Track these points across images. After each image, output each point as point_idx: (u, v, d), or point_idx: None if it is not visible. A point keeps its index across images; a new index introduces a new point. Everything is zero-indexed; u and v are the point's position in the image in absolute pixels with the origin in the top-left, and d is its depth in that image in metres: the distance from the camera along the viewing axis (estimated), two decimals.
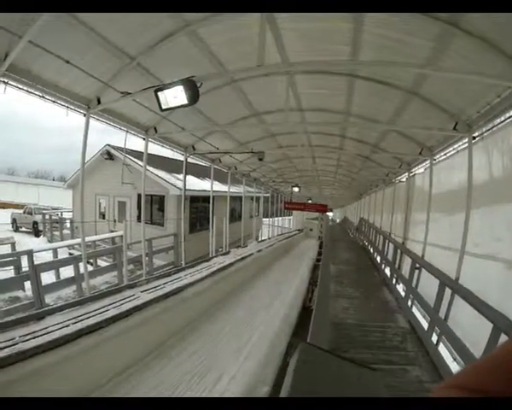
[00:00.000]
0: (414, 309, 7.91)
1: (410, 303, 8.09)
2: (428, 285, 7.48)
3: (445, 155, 8.56)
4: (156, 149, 11.59)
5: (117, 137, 15.44)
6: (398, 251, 10.80)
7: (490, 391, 0.55)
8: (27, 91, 5.98)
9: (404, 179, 13.13)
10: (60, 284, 10.16)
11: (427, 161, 9.58)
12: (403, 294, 8.76)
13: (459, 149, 7.71)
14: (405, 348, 6.31)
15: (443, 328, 5.98)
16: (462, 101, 6.28)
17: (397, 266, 10.57)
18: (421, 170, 10.87)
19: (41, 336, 4.19)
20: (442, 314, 6.20)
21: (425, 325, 6.86)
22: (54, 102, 6.53)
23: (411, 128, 8.25)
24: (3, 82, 5.47)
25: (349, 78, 6.84)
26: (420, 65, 5.34)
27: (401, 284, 9.65)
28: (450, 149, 8.14)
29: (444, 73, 5.20)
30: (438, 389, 0.62)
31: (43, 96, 6.28)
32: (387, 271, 11.49)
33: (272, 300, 9.40)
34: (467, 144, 6.88)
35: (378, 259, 13.84)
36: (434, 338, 6.28)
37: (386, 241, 12.98)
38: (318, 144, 12.25)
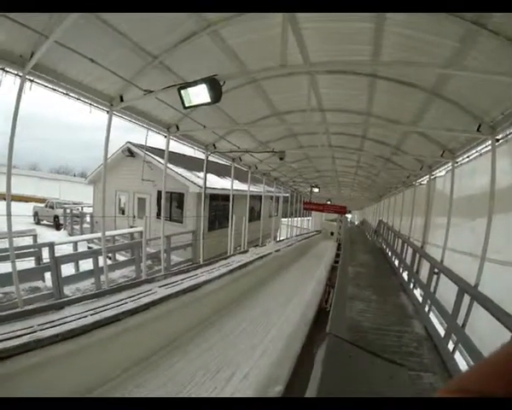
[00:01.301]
0: (431, 315, 7.79)
1: (427, 309, 7.97)
2: (447, 291, 7.37)
3: (468, 157, 8.36)
4: (177, 146, 11.66)
5: (137, 134, 15.65)
6: (417, 255, 10.66)
7: (492, 393, 0.55)
8: (52, 89, 6.16)
9: (424, 182, 12.92)
10: (79, 276, 10.39)
11: (449, 164, 9.37)
12: (420, 299, 8.64)
13: (482, 151, 7.52)
14: (421, 355, 6.24)
15: (460, 335, 5.87)
16: (486, 102, 6.13)
17: (415, 270, 10.43)
18: (443, 173, 10.67)
19: (59, 325, 4.30)
20: (460, 321, 6.09)
21: (442, 331, 6.76)
22: (78, 99, 6.70)
23: (433, 130, 8.08)
24: (29, 80, 5.64)
25: (370, 78, 6.78)
26: (443, 65, 5.25)
27: (419, 289, 9.52)
28: (473, 151, 7.93)
29: (467, 74, 5.08)
30: (440, 393, 0.61)
31: (67, 94, 6.44)
32: (405, 275, 11.36)
33: (289, 299, 9.40)
34: (490, 147, 6.69)
35: (396, 262, 13.71)
36: (451, 346, 6.18)
37: (405, 244, 12.83)
38: (339, 145, 12.16)
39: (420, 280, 9.32)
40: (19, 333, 3.92)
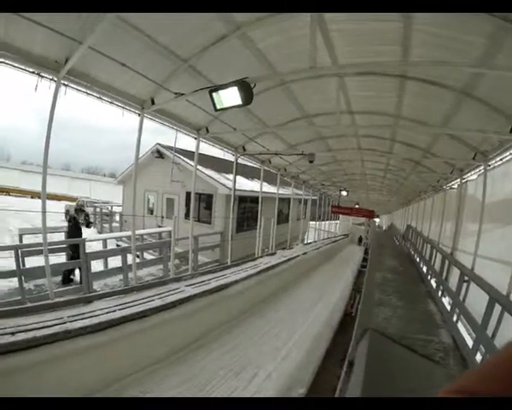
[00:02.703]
0: (459, 324, 7.61)
1: (455, 318, 7.79)
2: (477, 300, 7.20)
3: (501, 160, 8.09)
4: (205, 148, 11.79)
5: (165, 136, 15.88)
6: (446, 262, 10.45)
7: (493, 393, 0.56)
8: (86, 93, 6.39)
9: (455, 186, 12.59)
10: (107, 272, 10.65)
11: (481, 167, 9.04)
12: (448, 307, 8.46)
13: None
14: (447, 365, 6.11)
15: (489, 347, 5.72)
16: None
17: (444, 277, 10.22)
18: (474, 176, 10.38)
19: (88, 318, 4.47)
20: (489, 332, 5.93)
21: (470, 342, 6.60)
22: (110, 102, 6.92)
23: (464, 131, 7.84)
24: (64, 84, 5.87)
25: (399, 79, 6.66)
26: (473, 64, 5.07)
27: (447, 298, 9.32)
28: (507, 153, 7.62)
29: (499, 72, 4.89)
30: (442, 393, 0.63)
31: (100, 98, 6.66)
32: (433, 282, 11.14)
33: (315, 303, 9.40)
34: None
35: (424, 269, 13.48)
36: (479, 357, 6.03)
37: (434, 251, 12.59)
38: (368, 148, 12.02)
39: (449, 288, 9.12)
40: (49, 324, 4.10)
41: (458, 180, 11.60)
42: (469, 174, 10.72)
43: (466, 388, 0.61)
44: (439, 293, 9.69)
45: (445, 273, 10.26)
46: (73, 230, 10.81)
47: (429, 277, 11.91)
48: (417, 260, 15.71)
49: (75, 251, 9.65)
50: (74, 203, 26.78)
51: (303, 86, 7.64)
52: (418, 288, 11.15)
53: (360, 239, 27.60)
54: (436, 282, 10.58)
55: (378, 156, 13.01)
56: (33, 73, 5.45)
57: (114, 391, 4.26)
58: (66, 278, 10.07)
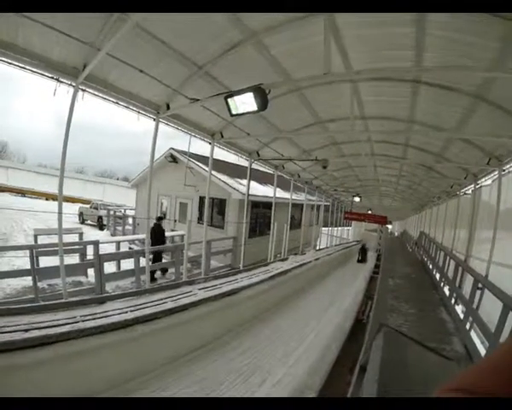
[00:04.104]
0: (472, 333, 7.52)
1: (468, 326, 7.70)
2: (491, 307, 7.11)
3: None
4: (219, 153, 11.87)
5: (179, 141, 16.03)
6: (460, 269, 10.33)
7: (490, 391, 0.57)
8: (103, 98, 6.55)
9: (469, 192, 12.41)
10: (120, 274, 10.81)
11: (496, 172, 8.93)
12: (461, 315, 8.36)
13: None
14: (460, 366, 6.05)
15: None
16: None
17: (457, 284, 10.10)
18: (489, 181, 10.24)
19: (100, 318, 4.54)
20: (503, 340, 5.81)
21: (483, 350, 6.53)
22: (126, 107, 7.06)
23: (478, 136, 7.74)
24: (82, 89, 6.02)
25: (413, 84, 6.64)
26: (486, 68, 5.05)
27: (460, 305, 9.21)
28: None
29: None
30: (440, 392, 0.63)
31: (116, 102, 6.83)
32: (446, 289, 11.03)
33: (326, 309, 9.38)
34: None
35: (437, 276, 13.35)
36: None
37: (447, 257, 12.46)
38: (381, 153, 12.00)
39: (462, 295, 9.02)
40: (62, 322, 4.19)
41: (472, 186, 11.43)
42: (484, 179, 10.56)
43: (463, 386, 0.62)
44: (452, 300, 9.59)
45: (458, 280, 10.14)
46: (157, 236, 12.14)
47: (442, 284, 11.80)
48: (430, 267, 15.58)
49: (158, 255, 11.60)
50: (88, 206, 27.38)
51: (317, 92, 7.67)
52: (431, 295, 11.06)
53: (364, 251, 22.17)
54: (449, 289, 10.46)
55: (391, 162, 12.97)
56: (52, 78, 5.61)
57: (125, 391, 4.31)
58: (152, 277, 11.23)
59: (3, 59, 5.03)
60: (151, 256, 10.72)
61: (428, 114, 7.90)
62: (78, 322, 4.27)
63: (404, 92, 7.05)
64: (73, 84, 5.80)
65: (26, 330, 3.77)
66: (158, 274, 12.34)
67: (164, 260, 13.23)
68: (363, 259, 21.75)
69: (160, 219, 13.60)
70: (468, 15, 4.15)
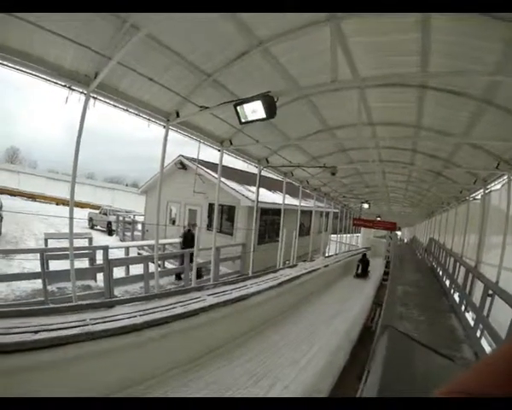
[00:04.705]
0: (482, 340, 7.45)
1: (478, 333, 7.62)
2: (501, 314, 7.05)
3: None
4: (228, 160, 11.93)
5: (189, 148, 16.16)
6: (470, 275, 10.23)
7: (490, 393, 0.58)
8: (114, 106, 6.70)
9: (478, 197, 12.26)
10: (128, 279, 10.90)
11: (505, 177, 8.85)
12: (472, 323, 8.28)
13: None
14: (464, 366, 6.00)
15: None
16: None
17: (467, 291, 10.00)
18: (498, 186, 10.13)
19: (110, 322, 4.59)
20: None
21: None
22: (137, 115, 7.19)
23: (486, 140, 7.66)
24: (93, 97, 6.16)
25: (419, 89, 6.65)
26: (492, 71, 5.01)
27: (471, 312, 9.12)
28: None
29: None
30: (439, 394, 0.64)
31: (127, 110, 6.96)
32: (456, 296, 10.92)
33: (335, 315, 9.38)
34: None
35: (447, 283, 13.24)
36: None
37: (457, 264, 12.36)
38: (389, 159, 11.95)
39: (472, 302, 8.94)
40: (72, 325, 4.26)
41: (482, 190, 11.29)
42: (493, 184, 10.44)
43: (461, 388, 0.62)
44: (462, 307, 9.51)
45: (468, 287, 10.05)
46: (188, 241, 13.02)
47: (452, 291, 11.70)
48: (440, 273, 15.47)
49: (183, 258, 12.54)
50: (97, 211, 27.60)
51: (324, 99, 7.70)
52: (440, 302, 10.99)
53: (364, 263, 18.73)
54: (459, 296, 10.37)
55: (400, 168, 12.91)
56: (65, 86, 5.74)
57: (132, 393, 4.37)
58: (178, 276, 12.78)
59: (18, 67, 5.18)
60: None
61: (436, 119, 7.86)
62: (87, 325, 4.34)
63: (411, 98, 7.05)
64: (85, 92, 5.94)
65: (36, 332, 3.83)
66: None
67: (172, 267, 13.35)
68: (363, 273, 18.37)
69: (192, 225, 14.55)
70: (471, 19, 4.17)
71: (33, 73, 5.36)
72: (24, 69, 5.24)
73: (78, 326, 4.23)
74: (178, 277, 12.85)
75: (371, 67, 5.95)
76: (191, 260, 11.21)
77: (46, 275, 8.65)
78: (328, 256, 19.16)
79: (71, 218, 6.11)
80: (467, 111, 6.89)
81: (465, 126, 7.50)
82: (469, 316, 8.89)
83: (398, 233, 37.17)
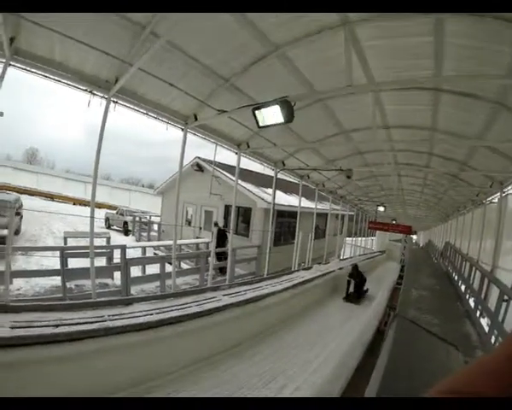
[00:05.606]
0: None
1: (493, 339, 7.54)
2: None
3: None
4: (243, 162, 12.02)
5: (206, 150, 16.29)
6: (486, 280, 10.11)
7: (481, 392, 0.62)
8: (133, 109, 6.92)
9: (495, 200, 12.05)
10: (145, 278, 11.05)
11: None
12: (487, 328, 8.18)
13: None
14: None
15: None
16: None
17: (483, 296, 9.89)
18: None
19: (127, 318, 4.74)
20: None
21: None
22: (156, 118, 7.39)
23: (502, 142, 7.44)
24: (113, 101, 6.41)
25: (434, 92, 6.67)
26: (506, 73, 5.01)
27: (486, 318, 9.00)
28: None
29: None
30: (431, 394, 0.67)
31: (146, 113, 7.16)
32: (472, 301, 10.79)
33: (348, 318, 9.38)
34: None
35: (462, 288, 13.09)
36: None
37: (473, 268, 12.19)
38: (405, 162, 11.93)
39: (487, 308, 8.85)
40: (90, 320, 4.42)
41: (498, 194, 11.16)
42: (510, 187, 10.35)
43: (454, 388, 0.66)
44: (477, 313, 9.42)
45: (484, 292, 9.94)
46: (221, 239, 13.74)
47: (467, 296, 11.58)
48: (455, 278, 15.32)
49: (221, 255, 13.72)
50: (114, 211, 27.91)
51: (340, 102, 7.78)
52: (455, 307, 10.90)
53: (359, 282, 12.37)
54: (474, 301, 10.26)
55: (415, 171, 12.83)
56: (86, 90, 5.97)
57: (147, 389, 4.47)
58: (221, 271, 13.79)
59: (41, 73, 5.44)
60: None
61: (451, 122, 7.84)
62: (105, 321, 4.48)
63: (426, 100, 7.07)
64: (106, 96, 6.18)
65: (56, 326, 3.99)
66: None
67: (188, 267, 13.49)
68: (355, 295, 12.04)
69: (224, 226, 15.56)
70: (484, 22, 4.20)
71: (55, 78, 5.65)
72: (47, 75, 5.54)
73: (97, 322, 4.38)
74: (221, 271, 13.88)
75: (385, 70, 6.01)
76: (224, 258, 12.46)
77: (65, 272, 8.86)
78: (343, 259, 19.10)
79: (91, 217, 6.32)
80: (482, 113, 6.86)
81: (481, 129, 7.46)
82: (484, 322, 8.81)
83: (414, 237, 36.82)
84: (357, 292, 12.10)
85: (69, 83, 5.82)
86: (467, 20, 4.29)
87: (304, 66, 6.32)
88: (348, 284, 12.08)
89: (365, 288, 12.80)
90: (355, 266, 12.70)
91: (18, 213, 15.64)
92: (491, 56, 4.97)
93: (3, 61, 5.07)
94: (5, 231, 9.61)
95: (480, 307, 9.41)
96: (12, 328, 3.75)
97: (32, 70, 5.41)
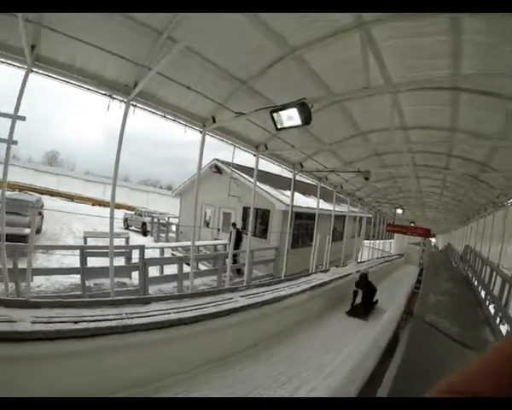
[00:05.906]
0: None
1: None
2: None
3: None
4: (261, 164, 12.04)
5: (224, 152, 16.38)
6: (507, 286, 9.87)
7: (481, 392, 0.62)
8: (152, 112, 7.07)
9: None
10: (162, 278, 11.17)
11: None
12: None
13: None
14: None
15: None
16: None
17: (503, 303, 9.69)
18: None
19: (145, 317, 4.82)
20: None
21: None
22: (174, 121, 7.51)
23: None
24: (132, 105, 6.58)
25: (452, 91, 6.57)
26: None
27: (506, 325, 8.81)
28: None
29: None
30: (431, 394, 0.67)
31: (165, 116, 7.29)
32: (492, 307, 10.59)
33: (364, 322, 9.31)
34: None
35: (482, 293, 12.86)
36: None
37: (493, 273, 11.97)
38: (423, 164, 11.82)
39: (508, 314, 8.69)
40: (109, 317, 4.52)
41: None
42: None
43: (454, 388, 0.66)
44: (498, 320, 9.25)
45: (504, 298, 9.74)
46: (237, 239, 13.84)
47: (487, 302, 11.37)
48: (475, 283, 15.07)
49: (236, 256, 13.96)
50: (133, 212, 28.21)
51: (357, 104, 7.74)
52: (474, 314, 10.71)
53: (368, 291, 10.68)
54: (494, 307, 10.07)
55: (434, 172, 12.67)
56: (105, 95, 6.14)
57: (163, 386, 4.53)
58: (239, 272, 14.11)
59: (63, 79, 5.66)
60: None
61: (470, 122, 7.68)
62: (124, 319, 4.59)
63: (444, 100, 6.98)
64: (125, 100, 6.35)
65: (76, 322, 4.11)
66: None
67: (205, 268, 13.62)
68: (362, 307, 10.27)
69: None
70: (501, 20, 4.12)
71: (75, 83, 5.85)
72: (67, 80, 5.75)
73: (115, 319, 4.49)
74: (238, 272, 14.10)
75: (402, 70, 5.97)
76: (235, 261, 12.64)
77: (84, 271, 9.06)
78: (361, 262, 18.94)
79: (111, 218, 6.46)
80: (503, 112, 6.66)
81: (501, 128, 7.25)
82: (504, 329, 8.65)
83: (433, 240, 36.31)
84: (364, 304, 10.44)
85: (89, 87, 6.02)
86: (483, 17, 4.22)
87: (320, 68, 6.34)
88: (354, 295, 10.28)
89: (375, 299, 11.09)
90: (363, 275, 10.83)
91: (39, 213, 15.95)
92: (510, 52, 4.88)
93: (25, 67, 5.27)
94: (27, 230, 9.84)
95: (500, 314, 9.23)
96: (33, 323, 3.86)
97: (53, 76, 5.62)
